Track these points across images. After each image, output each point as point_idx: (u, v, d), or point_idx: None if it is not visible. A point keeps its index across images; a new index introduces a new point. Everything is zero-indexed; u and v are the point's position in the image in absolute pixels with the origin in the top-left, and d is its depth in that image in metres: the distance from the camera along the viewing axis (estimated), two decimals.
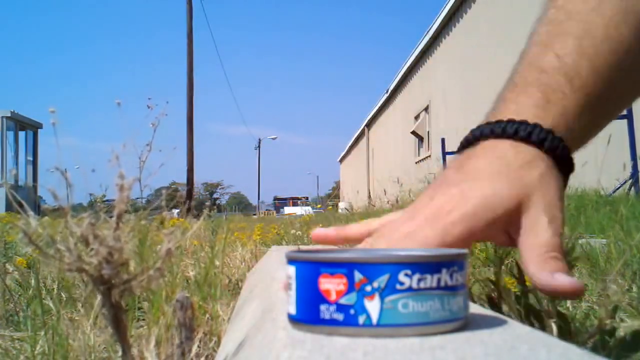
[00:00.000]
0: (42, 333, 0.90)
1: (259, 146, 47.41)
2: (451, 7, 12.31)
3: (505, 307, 0.62)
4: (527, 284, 0.60)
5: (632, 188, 4.72)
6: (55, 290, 1.33)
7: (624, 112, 4.85)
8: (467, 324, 0.35)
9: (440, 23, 13.07)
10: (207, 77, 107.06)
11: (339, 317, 0.32)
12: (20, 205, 0.40)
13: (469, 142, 0.50)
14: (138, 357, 0.79)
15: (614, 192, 4.69)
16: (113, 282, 0.39)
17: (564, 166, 0.47)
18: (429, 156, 13.23)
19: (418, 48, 14.69)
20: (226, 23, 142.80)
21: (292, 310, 0.35)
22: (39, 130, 15.52)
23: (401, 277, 0.32)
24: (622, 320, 0.88)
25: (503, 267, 0.65)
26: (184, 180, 16.49)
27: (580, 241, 1.77)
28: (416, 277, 0.32)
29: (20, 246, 1.90)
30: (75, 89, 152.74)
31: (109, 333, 0.88)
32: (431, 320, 0.32)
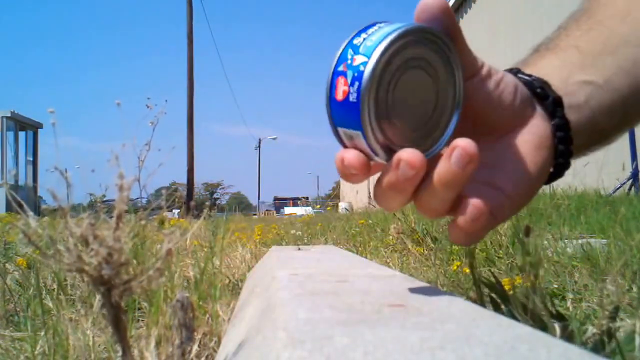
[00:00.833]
0: (42, 333, 0.90)
1: (259, 146, 47.44)
2: (451, 7, 12.31)
3: (505, 307, 0.63)
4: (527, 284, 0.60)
5: (632, 188, 4.72)
6: (55, 290, 1.33)
7: None
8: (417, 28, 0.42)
9: None
10: (207, 77, 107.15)
11: (355, 86, 0.40)
12: (20, 206, 0.40)
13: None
14: (138, 358, 0.79)
15: (614, 192, 4.69)
16: (113, 282, 0.39)
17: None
18: None
19: None
20: (226, 23, 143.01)
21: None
22: (39, 130, 15.52)
23: (355, 41, 0.42)
24: (622, 320, 0.88)
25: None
26: (184, 181, 16.51)
27: (580, 241, 1.77)
28: (362, 34, 0.42)
29: (20, 246, 1.90)
30: (75, 89, 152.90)
31: (109, 333, 0.88)
32: (392, 30, 0.40)
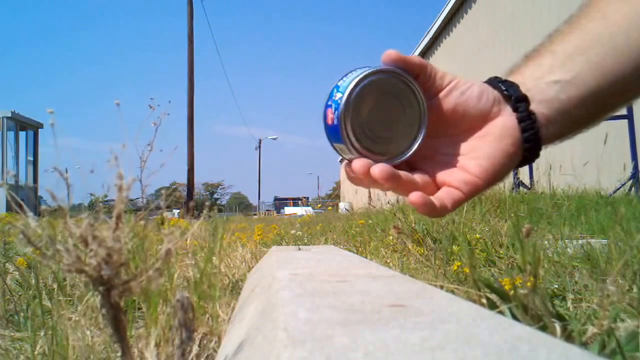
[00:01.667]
0: (42, 333, 0.90)
1: (259, 146, 47.44)
2: (452, 7, 12.31)
3: (505, 307, 0.62)
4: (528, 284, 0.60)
5: (633, 188, 4.72)
6: (55, 290, 1.33)
7: (625, 112, 4.86)
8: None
9: (441, 23, 13.07)
10: (208, 77, 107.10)
11: (335, 114, 0.56)
12: (20, 206, 0.40)
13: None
14: (138, 358, 0.79)
15: (614, 192, 4.69)
16: (112, 282, 0.39)
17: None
18: None
19: (419, 48, 14.69)
20: (227, 23, 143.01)
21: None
22: (39, 130, 15.53)
23: (338, 83, 0.58)
24: (622, 320, 0.88)
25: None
26: (185, 180, 16.50)
27: (580, 241, 1.77)
28: (340, 80, 0.58)
29: (20, 246, 1.90)
30: (76, 89, 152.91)
31: (108, 333, 0.88)
32: (359, 73, 0.56)
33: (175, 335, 0.52)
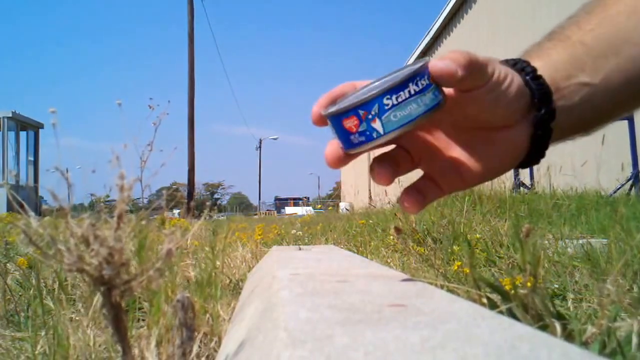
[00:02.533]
0: (43, 333, 0.90)
1: (260, 146, 47.43)
2: (452, 7, 12.31)
3: (505, 307, 0.62)
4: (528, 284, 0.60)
5: (633, 188, 4.72)
6: (56, 290, 1.33)
7: None
8: (445, 103, 0.50)
9: (442, 23, 13.07)
10: (208, 77, 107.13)
11: (363, 139, 0.49)
12: (21, 206, 0.40)
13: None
14: (139, 357, 0.79)
15: (614, 192, 4.69)
16: (113, 282, 0.39)
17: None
18: None
19: (419, 48, 14.68)
20: (228, 23, 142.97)
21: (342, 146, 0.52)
22: (40, 130, 15.53)
23: (385, 101, 0.48)
24: (622, 320, 0.88)
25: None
26: (185, 181, 16.50)
27: (580, 241, 1.77)
28: (394, 97, 0.48)
29: (21, 246, 1.90)
30: (76, 89, 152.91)
31: (109, 333, 0.88)
32: (414, 116, 0.48)
33: (176, 335, 0.52)
